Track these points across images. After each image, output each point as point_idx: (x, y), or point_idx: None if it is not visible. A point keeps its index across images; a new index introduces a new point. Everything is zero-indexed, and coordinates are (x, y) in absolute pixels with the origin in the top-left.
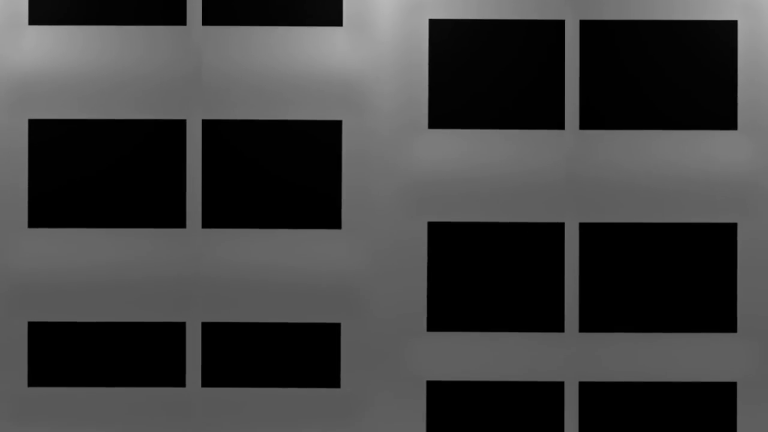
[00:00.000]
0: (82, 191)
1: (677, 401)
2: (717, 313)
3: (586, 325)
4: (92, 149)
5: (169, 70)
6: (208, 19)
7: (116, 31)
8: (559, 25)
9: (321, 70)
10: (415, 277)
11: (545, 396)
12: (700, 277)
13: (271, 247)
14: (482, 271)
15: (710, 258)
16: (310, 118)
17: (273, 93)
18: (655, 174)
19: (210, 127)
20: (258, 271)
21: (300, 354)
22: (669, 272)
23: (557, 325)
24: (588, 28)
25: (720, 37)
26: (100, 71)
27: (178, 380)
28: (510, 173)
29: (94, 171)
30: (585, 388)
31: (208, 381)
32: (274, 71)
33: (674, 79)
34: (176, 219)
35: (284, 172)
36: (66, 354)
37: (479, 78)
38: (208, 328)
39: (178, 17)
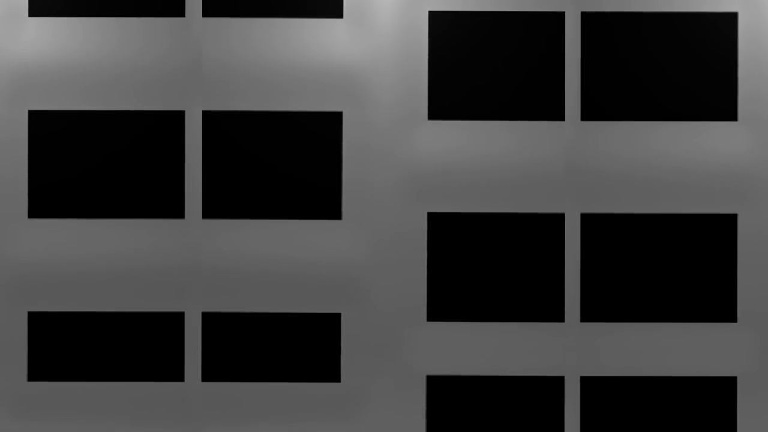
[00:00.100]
0: (82, 182)
1: (678, 393)
2: (717, 303)
3: (586, 315)
4: (92, 140)
5: (168, 61)
6: (208, 10)
7: (116, 23)
8: (559, 17)
9: (321, 61)
10: (415, 267)
11: (546, 389)
12: (701, 267)
13: (271, 237)
14: (482, 262)
15: (711, 249)
16: (310, 110)
17: (273, 85)
18: (656, 165)
19: (210, 118)
20: (258, 261)
21: (300, 345)
22: (669, 263)
23: (557, 315)
24: (588, 20)
25: (720, 30)
26: (100, 63)
27: (178, 372)
28: (510, 164)
29: (94, 162)
30: (586, 382)
31: (208, 374)
32: (274, 63)
33: (674, 71)
34: (176, 209)
35: (284, 162)
36: (66, 345)
37: (479, 70)
38: (208, 318)
39: (178, 9)
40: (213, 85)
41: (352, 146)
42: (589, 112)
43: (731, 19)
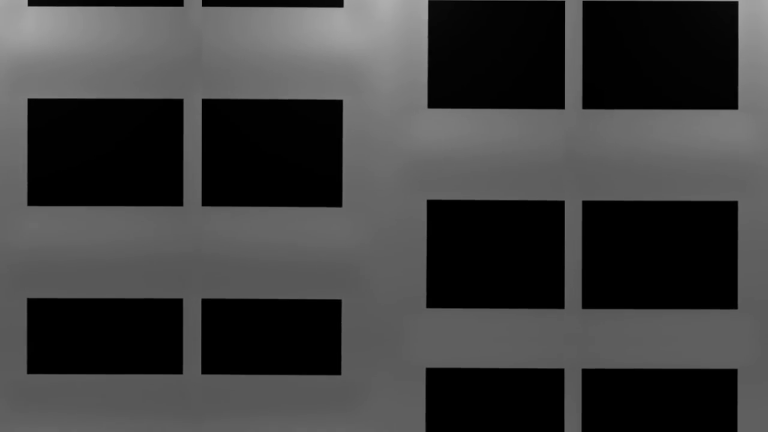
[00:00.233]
0: (82, 169)
1: (680, 385)
2: (718, 289)
3: (587, 302)
4: (93, 128)
5: (168, 50)
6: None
7: (116, 12)
8: (558, 6)
9: (321, 50)
10: (415, 254)
11: (546, 380)
12: (702, 255)
13: (271, 225)
14: (481, 249)
15: (711, 236)
16: (310, 98)
17: (272, 73)
18: (656, 153)
19: (210, 106)
20: (258, 248)
21: (301, 334)
22: (670, 250)
23: (558, 302)
24: (589, 9)
25: (721, 19)
26: (100, 52)
27: (177, 361)
28: (510, 152)
29: (94, 149)
30: (587, 374)
31: (208, 364)
32: (274, 52)
33: (675, 60)
34: (177, 197)
35: (284, 150)
36: (65, 333)
37: (479, 59)
38: (208, 305)
39: None
40: (213, 74)
41: (352, 134)
42: (589, 101)
43: (732, 8)
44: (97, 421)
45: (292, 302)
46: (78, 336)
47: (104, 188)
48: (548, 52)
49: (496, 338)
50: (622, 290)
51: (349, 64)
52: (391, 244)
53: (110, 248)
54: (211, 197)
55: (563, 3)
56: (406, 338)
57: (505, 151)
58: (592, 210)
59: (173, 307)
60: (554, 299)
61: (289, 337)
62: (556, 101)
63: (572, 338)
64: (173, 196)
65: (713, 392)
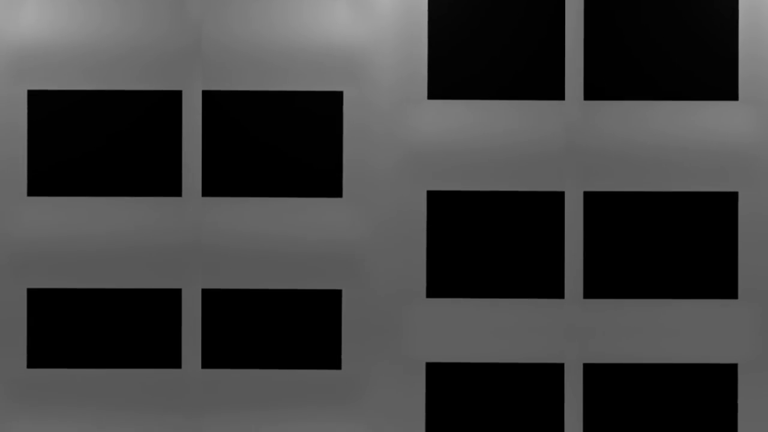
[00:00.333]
0: (83, 160)
1: (681, 378)
2: (718, 280)
3: (588, 292)
4: (93, 119)
5: (168, 41)
6: None
7: (116, 2)
8: None
9: (321, 42)
10: (415, 245)
11: (547, 373)
12: (702, 245)
13: (271, 215)
14: (480, 239)
15: (712, 226)
16: (311, 89)
17: (272, 65)
18: (657, 144)
19: (210, 97)
20: (258, 238)
21: (301, 327)
22: (671, 240)
23: (558, 292)
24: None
25: (721, 12)
26: (100, 43)
27: (176, 354)
28: (511, 143)
29: (94, 140)
30: (588, 368)
31: (207, 356)
32: (274, 43)
33: (675, 52)
34: (177, 187)
35: (284, 141)
36: (65, 324)
37: (479, 50)
38: (207, 295)
39: None
40: (213, 65)
41: (352, 125)
42: (590, 92)
43: (732, 0)
44: (96, 415)
45: (292, 292)
46: (78, 327)
47: (104, 179)
48: (548, 43)
49: (496, 329)
50: (623, 280)
51: (349, 55)
52: (392, 234)
53: (110, 238)
54: (211, 188)
55: None
56: (406, 329)
57: (505, 142)
58: (592, 200)
59: (173, 298)
60: (554, 289)
61: (290, 329)
62: (557, 92)
63: (572, 329)
64: (175, 187)
65: (715, 386)
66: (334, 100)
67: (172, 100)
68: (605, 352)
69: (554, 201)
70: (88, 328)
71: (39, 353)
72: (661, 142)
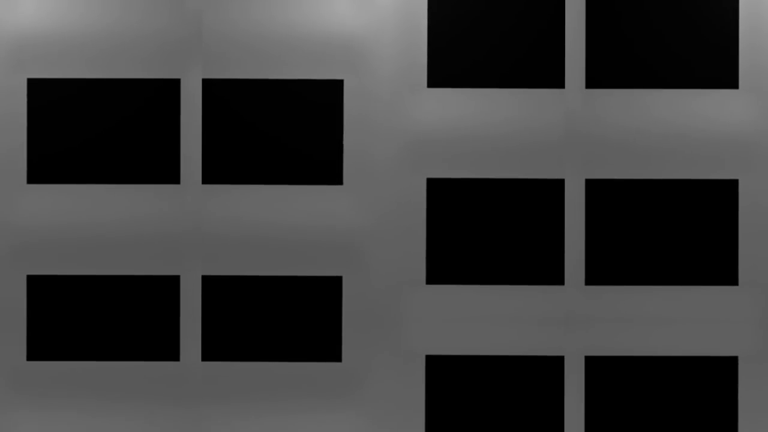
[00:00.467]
0: (82, 148)
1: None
2: (718, 266)
3: (589, 279)
4: (93, 108)
5: (169, 30)
6: None
7: None
8: None
9: (322, 32)
10: (415, 232)
11: (547, 366)
12: (702, 232)
13: (271, 202)
14: (480, 226)
15: (712, 214)
16: (311, 78)
17: (272, 54)
18: (657, 132)
19: (210, 86)
20: (257, 225)
21: (301, 317)
22: (671, 227)
23: (558, 279)
24: None
25: (722, 2)
26: (100, 32)
27: (175, 346)
28: (511, 131)
29: (94, 128)
30: (589, 361)
31: (207, 347)
32: (274, 33)
33: (675, 41)
34: (176, 175)
35: (285, 129)
36: (66, 314)
37: (479, 40)
38: (207, 282)
39: None
40: (213, 54)
41: (352, 113)
42: (590, 80)
43: None
44: (96, 407)
45: (293, 279)
46: (78, 317)
47: (103, 166)
48: (549, 32)
49: (496, 316)
50: (623, 267)
51: (349, 44)
52: (392, 221)
53: (109, 226)
54: (211, 175)
55: None
56: (406, 317)
57: (505, 130)
58: (593, 188)
59: (171, 284)
60: (554, 276)
61: (291, 318)
62: (557, 80)
63: (573, 316)
64: (175, 175)
65: (716, 379)
66: (335, 88)
67: (171, 88)
68: (605, 340)
69: (554, 188)
70: (88, 318)
71: (39, 345)
72: (661, 130)
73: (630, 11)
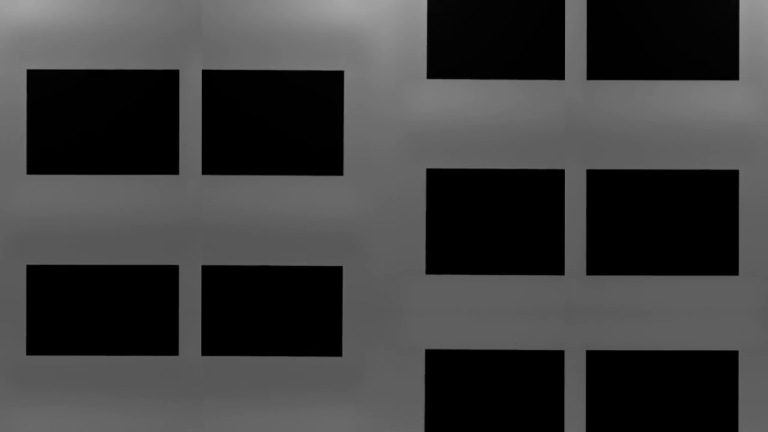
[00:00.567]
0: (82, 139)
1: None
2: (719, 256)
3: (589, 269)
4: (92, 99)
5: (168, 22)
6: None
7: None
8: None
9: (321, 23)
10: (415, 222)
11: (547, 361)
12: (703, 222)
13: (271, 193)
14: (480, 216)
15: (712, 205)
16: (311, 69)
17: (272, 45)
18: (657, 123)
19: (210, 77)
20: (257, 216)
21: (301, 308)
22: (671, 217)
23: (558, 269)
24: None
25: None
26: (100, 24)
27: (174, 339)
28: (512, 122)
29: (94, 118)
30: (590, 356)
31: (207, 341)
32: (274, 24)
33: (676, 32)
34: (176, 165)
35: (285, 119)
36: (65, 305)
37: (479, 30)
38: (207, 273)
39: None
40: (213, 45)
41: (353, 104)
42: (591, 71)
43: None
44: (96, 402)
45: (293, 269)
46: (78, 308)
47: (103, 157)
48: (549, 23)
49: (495, 307)
50: (624, 257)
51: (349, 35)
52: (392, 212)
53: (109, 216)
54: (211, 166)
55: None
56: (405, 309)
57: (506, 121)
58: (593, 178)
59: (171, 274)
60: (555, 266)
61: (291, 309)
62: (557, 72)
63: (573, 306)
64: (175, 165)
65: (716, 373)
66: (335, 79)
67: (171, 79)
68: (605, 332)
69: (555, 179)
70: (88, 309)
71: (38, 339)
72: (662, 121)
73: (631, 2)
